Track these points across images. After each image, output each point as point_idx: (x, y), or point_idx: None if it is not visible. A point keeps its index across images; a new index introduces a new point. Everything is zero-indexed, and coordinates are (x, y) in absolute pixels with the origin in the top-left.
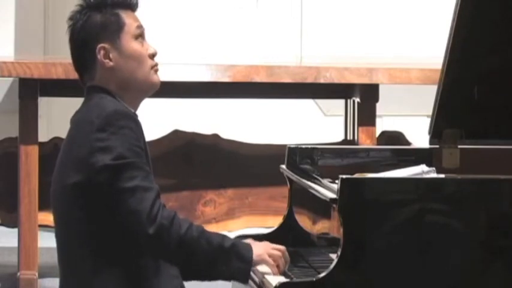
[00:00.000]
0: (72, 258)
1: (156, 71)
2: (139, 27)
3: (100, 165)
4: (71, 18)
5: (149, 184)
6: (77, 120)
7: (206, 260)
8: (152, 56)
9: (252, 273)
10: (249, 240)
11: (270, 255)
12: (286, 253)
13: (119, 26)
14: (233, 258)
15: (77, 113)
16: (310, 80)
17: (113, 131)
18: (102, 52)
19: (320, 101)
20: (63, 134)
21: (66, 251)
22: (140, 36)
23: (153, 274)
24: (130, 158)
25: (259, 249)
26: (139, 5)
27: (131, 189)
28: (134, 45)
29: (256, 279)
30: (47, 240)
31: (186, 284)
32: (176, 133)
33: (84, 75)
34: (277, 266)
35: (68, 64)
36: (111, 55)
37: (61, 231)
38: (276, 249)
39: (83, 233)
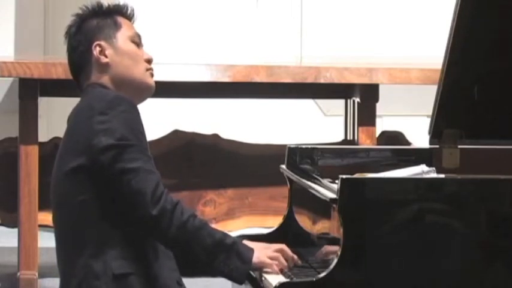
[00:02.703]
0: (73, 246)
1: (152, 75)
2: (137, 34)
3: (103, 145)
4: (69, 25)
5: (151, 168)
6: (77, 111)
7: (205, 251)
8: (148, 61)
9: (251, 273)
10: (245, 242)
11: (270, 258)
12: (287, 251)
13: (115, 26)
14: (233, 255)
15: (75, 108)
16: (310, 80)
17: (115, 114)
18: (97, 48)
19: (320, 101)
20: (63, 134)
21: (67, 241)
22: (136, 41)
23: (154, 260)
24: (132, 140)
25: (260, 252)
26: (136, 15)
27: (134, 169)
28: (130, 45)
29: (256, 279)
30: (47, 240)
31: (186, 283)
32: (176, 133)
33: (80, 77)
34: (280, 268)
35: (67, 64)
36: (106, 52)
37: (62, 220)
38: (276, 251)
39: (85, 217)
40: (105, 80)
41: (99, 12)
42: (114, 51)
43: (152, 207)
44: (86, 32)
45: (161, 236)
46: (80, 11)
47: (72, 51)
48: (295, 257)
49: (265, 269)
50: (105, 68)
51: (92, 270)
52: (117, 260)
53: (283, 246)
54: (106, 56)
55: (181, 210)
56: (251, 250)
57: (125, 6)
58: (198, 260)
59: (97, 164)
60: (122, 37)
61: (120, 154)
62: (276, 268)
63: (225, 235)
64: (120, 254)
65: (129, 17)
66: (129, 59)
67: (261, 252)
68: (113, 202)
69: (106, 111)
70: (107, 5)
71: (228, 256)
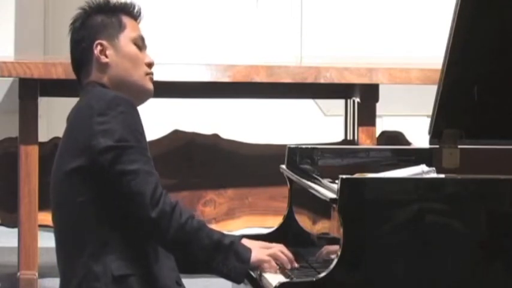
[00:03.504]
0: (73, 246)
1: (151, 79)
2: (140, 37)
3: (103, 146)
4: (73, 19)
5: (151, 169)
6: (76, 110)
7: (203, 252)
8: (149, 65)
9: (252, 273)
10: (244, 240)
11: (269, 255)
12: (285, 251)
13: (120, 27)
14: (231, 256)
15: (74, 107)
16: (310, 80)
17: (114, 115)
18: (98, 47)
19: (320, 101)
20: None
21: (66, 242)
22: (139, 44)
23: (153, 261)
24: (131, 141)
25: (258, 252)
26: (142, 15)
27: (133, 171)
28: (132, 48)
29: (256, 279)
30: (47, 240)
31: (185, 283)
32: (176, 133)
33: (81, 73)
34: (278, 265)
35: (68, 64)
36: (107, 52)
37: (61, 221)
38: (274, 252)
39: (85, 218)
40: (105, 79)
41: (105, 9)
42: (115, 52)
43: (151, 210)
44: (90, 28)
45: (160, 238)
46: (86, 5)
47: (74, 46)
48: (293, 261)
49: (263, 268)
50: (104, 67)
51: (92, 272)
52: (117, 261)
53: (281, 246)
54: (106, 56)
55: (180, 212)
56: (249, 250)
57: (132, 5)
58: (196, 261)
59: (96, 165)
60: (125, 39)
61: (119, 156)
62: (274, 265)
63: (223, 235)
64: (120, 255)
65: (135, 17)
66: (129, 61)
67: (259, 252)
68: (112, 203)
69: (105, 112)
70: (114, 1)
71: (226, 256)
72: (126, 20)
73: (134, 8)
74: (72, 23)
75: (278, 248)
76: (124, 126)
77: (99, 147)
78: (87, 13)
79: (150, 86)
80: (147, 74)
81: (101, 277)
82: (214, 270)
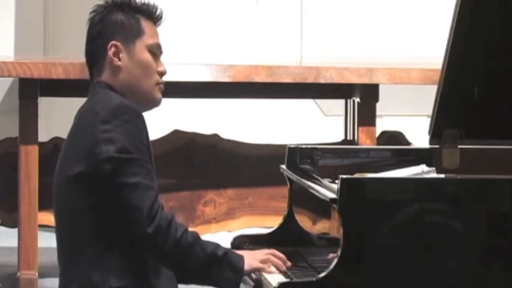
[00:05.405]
0: (73, 251)
1: (161, 89)
2: (157, 44)
3: (104, 156)
4: (93, 11)
5: (150, 183)
6: (82, 113)
7: (198, 266)
8: (161, 74)
9: (252, 274)
10: (243, 252)
11: (261, 261)
12: (277, 253)
13: (138, 32)
14: (225, 267)
15: (81, 107)
16: (310, 80)
17: (118, 123)
18: (113, 49)
19: (320, 101)
20: (63, 134)
21: (66, 245)
22: (155, 52)
23: (152, 272)
24: (133, 153)
25: (251, 259)
26: (163, 19)
27: (133, 185)
28: (146, 56)
29: (256, 280)
30: (47, 240)
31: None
32: (176, 133)
33: (93, 70)
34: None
35: (68, 64)
36: (121, 55)
37: (62, 224)
38: (266, 254)
39: (85, 224)
40: (115, 82)
41: (126, 8)
42: (128, 56)
43: (148, 225)
44: (108, 26)
45: (156, 252)
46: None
47: (90, 40)
48: (286, 261)
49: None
50: (116, 70)
51: (90, 280)
52: (115, 271)
53: (272, 250)
54: (119, 59)
55: (175, 227)
56: (242, 258)
57: (154, 8)
58: (192, 274)
59: (97, 174)
60: (141, 45)
61: (119, 167)
62: (268, 269)
63: (216, 247)
64: (118, 265)
65: (156, 20)
66: (141, 69)
67: (252, 259)
68: (111, 213)
69: (109, 120)
70: (137, 0)
71: (221, 268)
72: (145, 24)
73: (156, 11)
74: (91, 16)
75: (269, 252)
76: (127, 136)
77: (101, 156)
78: (108, 8)
79: (159, 95)
80: (158, 83)
81: (99, 287)
82: (210, 283)
